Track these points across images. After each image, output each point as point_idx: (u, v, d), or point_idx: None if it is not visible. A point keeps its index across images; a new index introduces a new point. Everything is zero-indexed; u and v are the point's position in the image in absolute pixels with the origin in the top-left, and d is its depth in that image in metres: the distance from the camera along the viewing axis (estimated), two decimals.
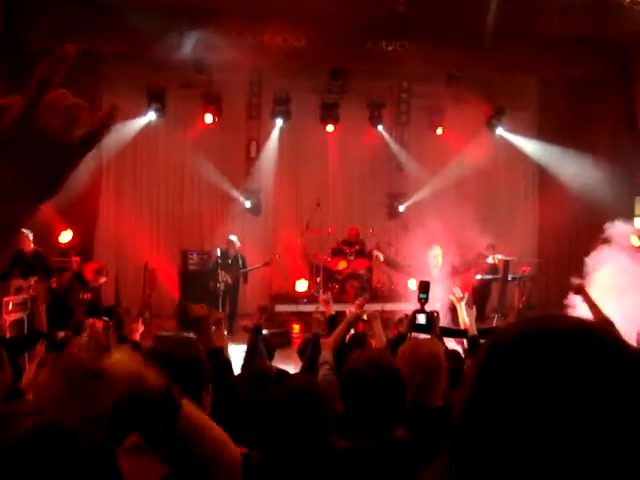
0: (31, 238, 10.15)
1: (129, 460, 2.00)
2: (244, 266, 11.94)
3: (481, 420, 1.01)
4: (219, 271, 11.49)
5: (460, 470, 1.02)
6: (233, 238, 11.92)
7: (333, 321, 5.91)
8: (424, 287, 5.72)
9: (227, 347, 4.99)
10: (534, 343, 1.01)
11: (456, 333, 6.14)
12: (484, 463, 0.99)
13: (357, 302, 6.40)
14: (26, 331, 7.93)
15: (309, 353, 5.20)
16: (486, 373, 1.04)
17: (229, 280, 11.64)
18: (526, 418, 0.95)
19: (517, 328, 1.07)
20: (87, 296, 9.57)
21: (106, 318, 8.28)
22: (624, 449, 0.91)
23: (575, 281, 6.46)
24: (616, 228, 8.46)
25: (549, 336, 1.01)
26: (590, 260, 8.26)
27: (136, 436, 2.06)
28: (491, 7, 11.07)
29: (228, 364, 4.70)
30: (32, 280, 9.60)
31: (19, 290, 9.23)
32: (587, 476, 0.91)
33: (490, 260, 12.57)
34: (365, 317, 5.83)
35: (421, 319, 5.60)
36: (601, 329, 1.03)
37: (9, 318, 8.85)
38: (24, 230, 10.40)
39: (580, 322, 1.05)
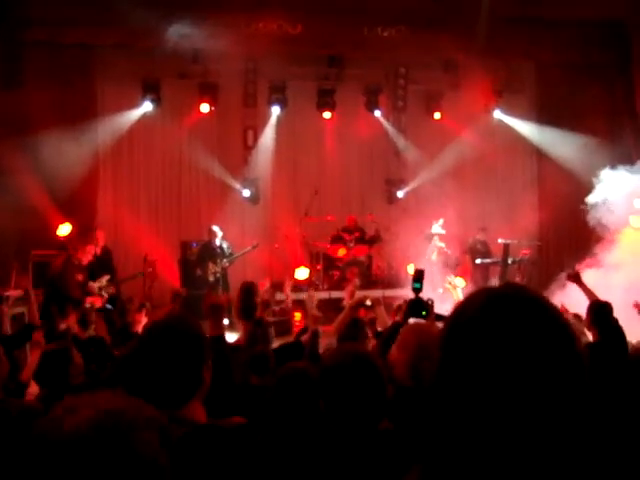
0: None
1: None
2: (231, 254, 11.89)
3: (448, 382, 1.15)
4: (209, 263, 11.52)
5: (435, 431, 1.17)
6: (215, 228, 11.87)
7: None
8: (418, 276, 5.69)
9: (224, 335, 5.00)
10: (478, 315, 1.16)
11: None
12: (454, 420, 1.13)
13: (348, 289, 6.43)
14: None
15: (309, 350, 5.20)
16: (447, 344, 1.18)
17: (217, 270, 11.63)
18: (481, 372, 1.10)
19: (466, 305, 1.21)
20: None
21: (109, 307, 8.32)
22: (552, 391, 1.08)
23: (570, 270, 6.57)
24: None
25: (488, 307, 1.16)
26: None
27: None
28: None
29: (228, 352, 4.71)
30: (104, 279, 9.84)
31: (87, 293, 9.25)
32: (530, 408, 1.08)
33: (479, 236, 12.63)
34: (369, 303, 5.82)
35: (416, 307, 5.57)
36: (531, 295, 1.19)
37: (11, 312, 8.85)
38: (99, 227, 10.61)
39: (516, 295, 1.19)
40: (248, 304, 6.26)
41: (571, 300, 6.71)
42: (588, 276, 8.00)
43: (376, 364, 2.76)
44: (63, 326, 5.95)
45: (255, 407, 3.88)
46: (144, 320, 7.31)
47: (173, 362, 2.19)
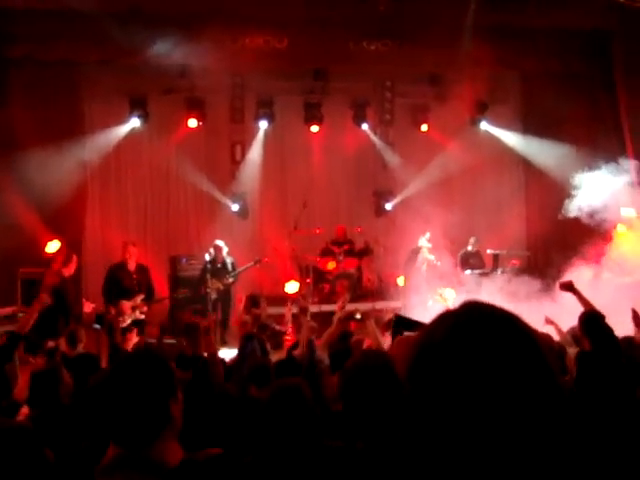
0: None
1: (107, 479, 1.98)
2: (234, 269, 11.86)
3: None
4: (208, 278, 11.40)
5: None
6: (220, 243, 11.82)
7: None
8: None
9: (217, 353, 4.98)
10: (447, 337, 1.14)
11: None
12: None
13: (339, 303, 6.44)
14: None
15: (308, 357, 5.20)
16: (415, 374, 1.17)
17: (220, 287, 11.57)
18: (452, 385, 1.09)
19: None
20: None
21: (97, 326, 8.27)
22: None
23: (562, 280, 6.60)
24: None
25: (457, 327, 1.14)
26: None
27: (111, 456, 2.04)
28: (471, 5, 11.12)
29: (218, 367, 4.69)
30: (138, 299, 9.72)
31: (119, 313, 9.17)
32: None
33: (470, 247, 12.64)
34: (359, 316, 5.83)
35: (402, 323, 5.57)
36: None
37: None
38: (131, 242, 10.47)
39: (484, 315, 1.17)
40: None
41: (563, 309, 6.74)
42: (581, 275, 8.09)
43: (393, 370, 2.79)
44: (51, 344, 5.90)
45: (253, 419, 3.87)
46: (135, 339, 7.29)
47: (136, 396, 2.04)
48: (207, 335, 4.67)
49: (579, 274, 8.98)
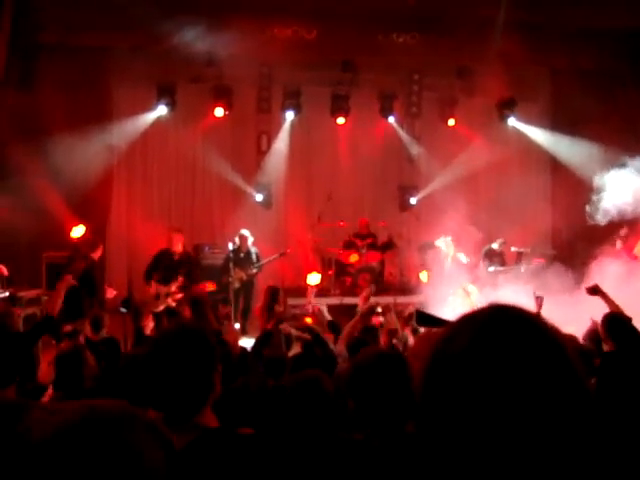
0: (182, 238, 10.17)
1: None
2: (258, 260, 11.84)
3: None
4: (231, 267, 11.41)
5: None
6: (245, 232, 11.82)
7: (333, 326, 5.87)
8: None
9: (237, 341, 5.00)
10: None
11: None
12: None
13: (363, 295, 6.43)
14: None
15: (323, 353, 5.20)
16: (433, 379, 1.11)
17: (243, 277, 11.58)
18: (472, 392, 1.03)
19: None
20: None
21: (124, 310, 8.33)
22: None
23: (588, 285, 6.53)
24: None
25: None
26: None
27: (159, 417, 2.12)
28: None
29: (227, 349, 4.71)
30: (173, 286, 9.60)
31: (157, 297, 9.20)
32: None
33: (495, 246, 12.49)
34: (379, 309, 5.81)
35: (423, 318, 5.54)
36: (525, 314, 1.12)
37: (22, 312, 8.88)
38: (176, 229, 10.46)
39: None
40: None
41: (588, 308, 6.66)
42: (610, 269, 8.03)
43: (404, 364, 2.78)
44: (68, 328, 5.93)
45: (271, 409, 3.87)
46: (151, 324, 7.32)
47: (186, 369, 2.20)
48: (228, 322, 4.69)
49: (609, 269, 8.90)
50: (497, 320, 1.11)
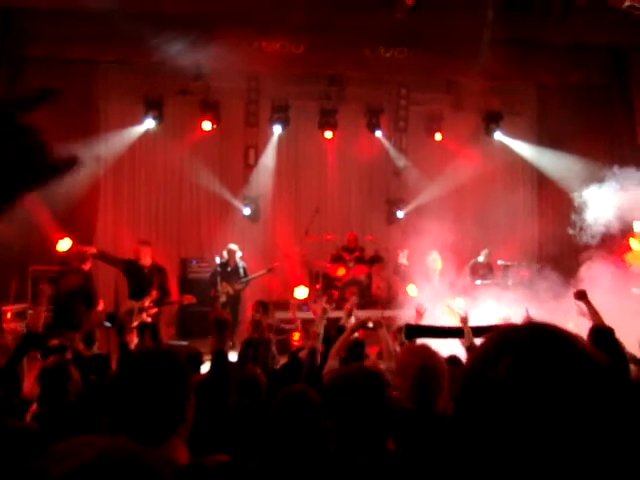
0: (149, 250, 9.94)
1: None
2: (245, 275, 11.80)
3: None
4: (218, 281, 11.36)
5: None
6: (233, 247, 11.78)
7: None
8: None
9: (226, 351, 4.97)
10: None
11: (445, 333, 6.02)
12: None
13: (346, 306, 6.44)
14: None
15: (307, 366, 5.18)
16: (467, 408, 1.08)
17: (230, 291, 11.54)
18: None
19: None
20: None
21: (108, 324, 8.28)
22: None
23: (577, 288, 6.49)
24: None
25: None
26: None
27: None
28: (488, 16, 11.09)
29: (229, 368, 4.68)
30: (147, 301, 9.35)
31: (130, 313, 8.97)
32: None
33: (481, 259, 12.51)
34: (371, 325, 5.81)
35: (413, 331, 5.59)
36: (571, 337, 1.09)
37: (8, 327, 8.81)
38: (144, 241, 10.26)
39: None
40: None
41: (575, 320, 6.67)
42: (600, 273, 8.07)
43: (380, 381, 2.75)
44: (55, 342, 5.89)
45: (246, 429, 3.85)
46: (135, 340, 7.29)
47: (150, 395, 2.05)
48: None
49: (599, 274, 8.94)
50: (538, 343, 1.07)
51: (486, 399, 1.04)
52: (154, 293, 9.46)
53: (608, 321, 5.54)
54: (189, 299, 10.23)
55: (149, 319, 9.34)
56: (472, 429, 1.05)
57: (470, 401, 1.07)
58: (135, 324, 8.95)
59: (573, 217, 10.69)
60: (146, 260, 9.89)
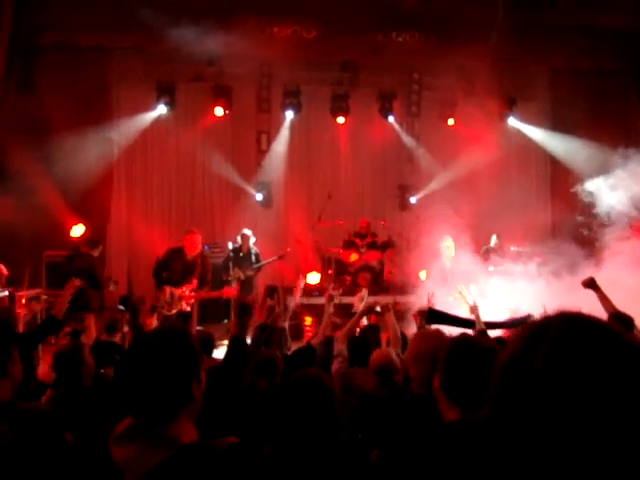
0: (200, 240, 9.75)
1: (121, 449, 2.00)
2: (257, 260, 11.79)
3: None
4: (230, 266, 11.38)
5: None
6: (247, 232, 11.71)
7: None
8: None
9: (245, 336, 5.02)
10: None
11: (463, 323, 6.05)
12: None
13: (358, 294, 6.46)
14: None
15: (322, 355, 5.21)
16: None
17: (241, 276, 11.53)
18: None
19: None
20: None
21: (122, 307, 8.33)
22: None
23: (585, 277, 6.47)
24: None
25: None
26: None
27: (126, 425, 2.06)
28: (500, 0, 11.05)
29: (247, 353, 4.73)
30: (187, 289, 9.23)
31: (170, 300, 8.93)
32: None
33: (492, 244, 12.49)
34: (378, 309, 5.83)
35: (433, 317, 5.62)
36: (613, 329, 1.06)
37: (22, 312, 8.90)
38: (187, 230, 10.11)
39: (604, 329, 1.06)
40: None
41: (584, 306, 6.65)
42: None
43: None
44: (68, 329, 5.93)
45: (261, 411, 3.89)
46: (155, 323, 7.33)
47: (157, 372, 2.01)
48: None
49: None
50: (572, 331, 1.05)
51: (524, 391, 1.02)
52: (194, 282, 9.33)
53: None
54: (229, 292, 10.00)
55: (188, 308, 9.25)
56: (511, 424, 1.03)
57: (507, 395, 1.05)
58: (174, 312, 8.94)
59: (586, 202, 10.63)
60: (196, 249, 9.64)
